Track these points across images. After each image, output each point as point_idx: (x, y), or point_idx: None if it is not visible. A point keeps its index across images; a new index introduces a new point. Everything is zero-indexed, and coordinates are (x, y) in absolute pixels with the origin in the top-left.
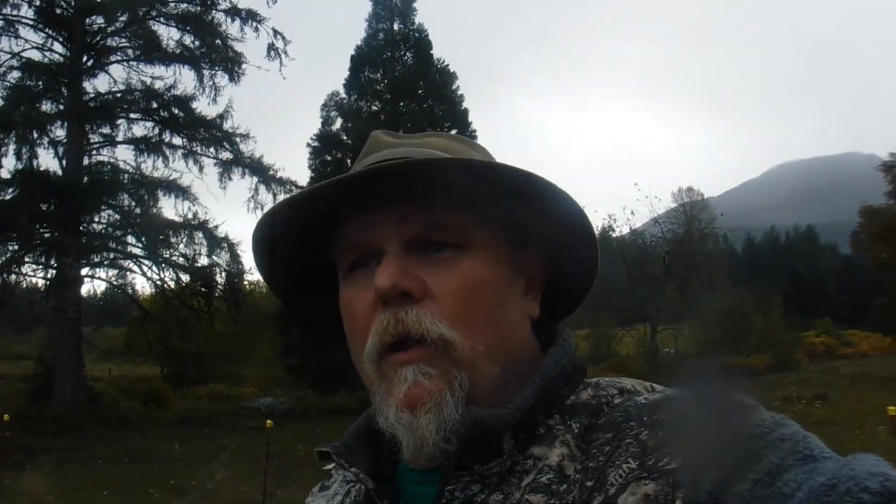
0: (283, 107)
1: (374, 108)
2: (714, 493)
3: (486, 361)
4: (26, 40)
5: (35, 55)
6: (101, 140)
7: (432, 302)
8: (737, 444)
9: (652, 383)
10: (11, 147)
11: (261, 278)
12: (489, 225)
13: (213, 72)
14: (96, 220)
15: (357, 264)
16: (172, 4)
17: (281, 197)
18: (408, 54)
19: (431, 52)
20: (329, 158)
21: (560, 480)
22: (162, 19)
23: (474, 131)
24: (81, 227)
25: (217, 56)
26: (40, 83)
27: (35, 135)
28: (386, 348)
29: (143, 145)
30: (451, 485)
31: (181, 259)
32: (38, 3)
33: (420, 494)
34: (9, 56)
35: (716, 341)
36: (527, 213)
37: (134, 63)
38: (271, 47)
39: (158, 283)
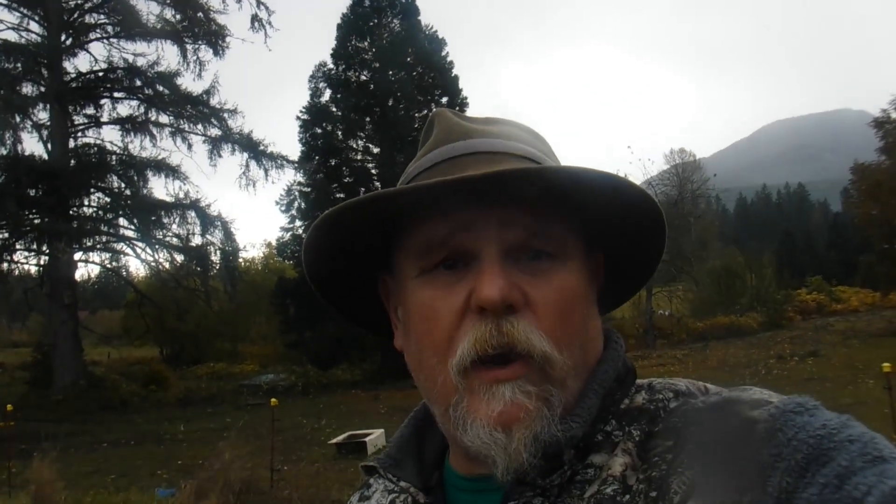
0: (270, 80)
1: (363, 77)
2: (781, 498)
3: (574, 378)
4: (1, 21)
5: (11, 36)
6: (86, 121)
7: (532, 314)
8: (801, 447)
9: (705, 383)
10: None
11: (306, 269)
12: (578, 233)
13: (197, 46)
14: (86, 203)
15: (440, 264)
16: None
17: (272, 172)
18: (395, 21)
19: (419, 18)
20: (319, 131)
21: (623, 491)
22: None
23: (465, 99)
24: (72, 212)
25: (200, 30)
26: (18, 65)
27: (18, 119)
28: (481, 360)
29: (129, 125)
30: (513, 500)
31: (174, 239)
32: None
33: (470, 503)
34: None
35: (709, 301)
36: (606, 219)
37: (114, 40)
38: (255, 18)
39: (153, 264)
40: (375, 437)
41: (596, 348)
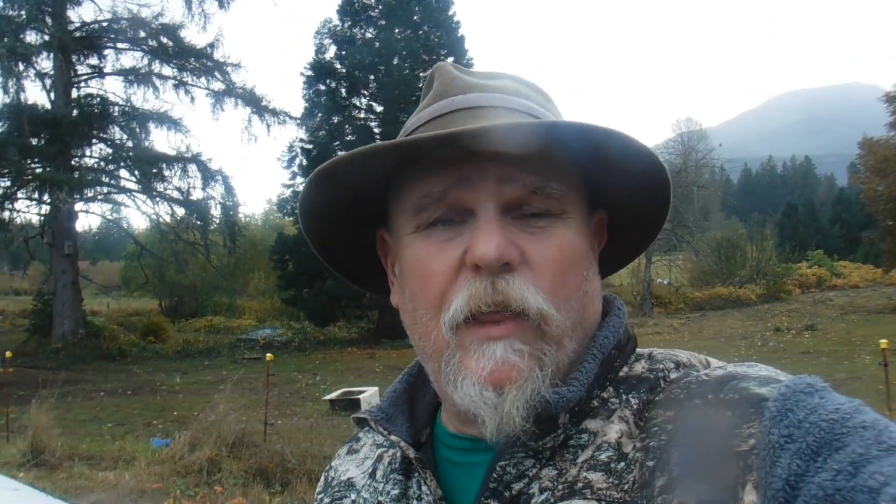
0: (274, 35)
1: (369, 35)
2: (790, 481)
3: (571, 337)
4: None
5: None
6: (89, 71)
7: (530, 272)
8: (813, 430)
9: (706, 356)
10: None
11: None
12: (579, 191)
13: None
14: (88, 153)
15: (437, 220)
16: None
17: (274, 128)
18: None
19: None
20: (323, 88)
21: (618, 458)
22: None
23: (471, 59)
24: (73, 162)
25: None
26: (23, 12)
27: (21, 67)
28: (475, 317)
29: (133, 76)
30: (503, 460)
31: (175, 192)
32: None
33: (459, 462)
34: None
35: (709, 272)
36: (606, 176)
37: None
38: None
39: (153, 216)
40: (370, 394)
41: (594, 309)
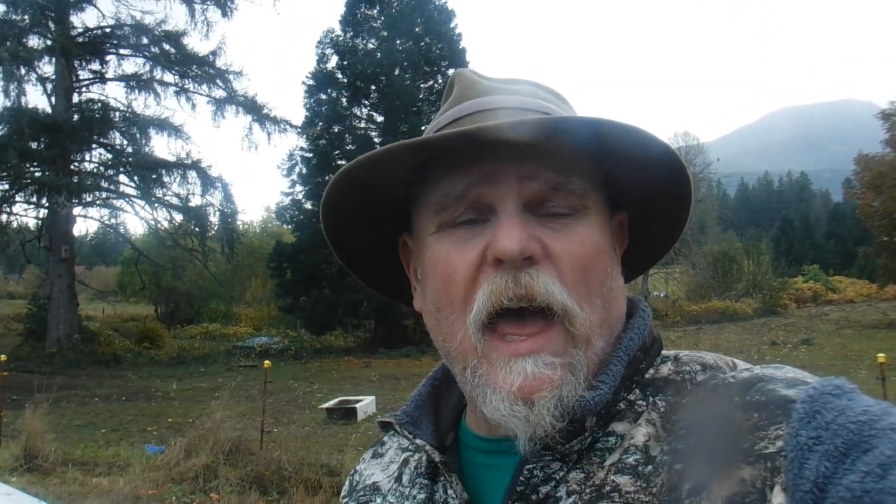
0: (277, 44)
1: (371, 45)
2: (818, 483)
3: (597, 336)
4: None
5: None
6: (91, 77)
7: (553, 266)
8: (841, 432)
9: (733, 358)
10: None
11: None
12: (600, 190)
13: (205, 6)
14: (88, 158)
15: (459, 219)
16: None
17: (275, 136)
18: None
19: None
20: (324, 97)
21: (646, 461)
22: None
23: None
24: (73, 166)
25: None
26: (26, 17)
27: (23, 71)
28: (499, 313)
29: (134, 82)
30: (530, 464)
31: (174, 198)
32: None
33: (484, 465)
34: None
35: (706, 285)
36: (624, 172)
37: None
38: None
39: (151, 222)
40: (366, 403)
41: (619, 308)
